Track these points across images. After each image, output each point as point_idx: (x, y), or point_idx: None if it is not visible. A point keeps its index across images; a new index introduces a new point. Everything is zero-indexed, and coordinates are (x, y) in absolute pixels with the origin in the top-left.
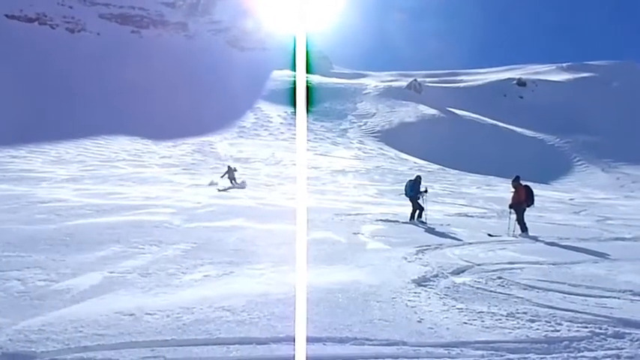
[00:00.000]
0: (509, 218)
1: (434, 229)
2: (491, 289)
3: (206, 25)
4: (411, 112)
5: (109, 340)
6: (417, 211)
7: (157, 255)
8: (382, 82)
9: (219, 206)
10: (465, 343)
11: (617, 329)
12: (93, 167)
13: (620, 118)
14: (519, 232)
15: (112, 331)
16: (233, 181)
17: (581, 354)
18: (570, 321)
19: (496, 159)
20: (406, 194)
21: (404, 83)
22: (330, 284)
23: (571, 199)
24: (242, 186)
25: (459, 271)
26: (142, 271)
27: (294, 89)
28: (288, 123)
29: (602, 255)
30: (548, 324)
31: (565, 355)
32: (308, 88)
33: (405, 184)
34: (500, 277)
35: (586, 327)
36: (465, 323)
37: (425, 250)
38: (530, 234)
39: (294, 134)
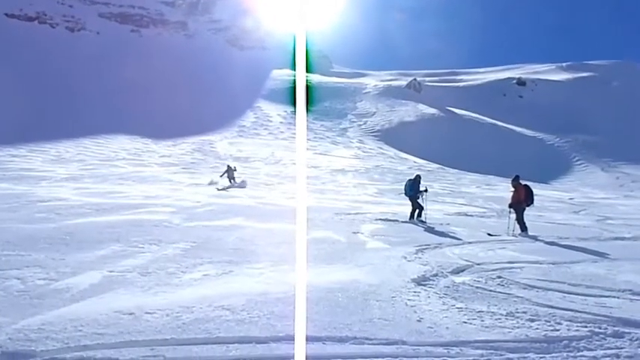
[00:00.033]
0: (509, 217)
1: (433, 228)
2: (491, 288)
3: (206, 24)
4: (410, 111)
5: (109, 339)
6: (417, 211)
7: (157, 254)
8: (382, 81)
9: (218, 205)
10: (464, 343)
11: (616, 329)
12: (93, 166)
13: (620, 118)
14: (519, 231)
15: (111, 330)
16: (232, 181)
17: (580, 353)
18: (570, 320)
19: (496, 158)
20: (406, 193)
21: (403, 82)
22: (330, 283)
23: (571, 199)
24: (242, 185)
25: (458, 271)
26: (141, 270)
27: (293, 88)
28: (287, 122)
29: (601, 254)
30: (548, 323)
31: (564, 354)
32: (308, 88)
33: (404, 183)
34: (499, 277)
35: (585, 326)
36: (465, 322)
37: (424, 249)
38: (529, 233)
39: (294, 133)
